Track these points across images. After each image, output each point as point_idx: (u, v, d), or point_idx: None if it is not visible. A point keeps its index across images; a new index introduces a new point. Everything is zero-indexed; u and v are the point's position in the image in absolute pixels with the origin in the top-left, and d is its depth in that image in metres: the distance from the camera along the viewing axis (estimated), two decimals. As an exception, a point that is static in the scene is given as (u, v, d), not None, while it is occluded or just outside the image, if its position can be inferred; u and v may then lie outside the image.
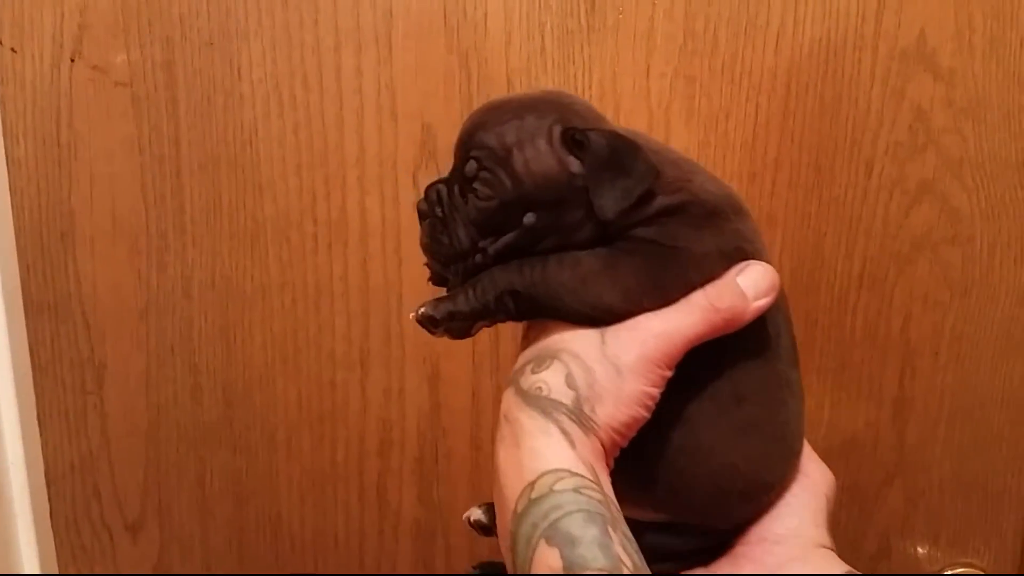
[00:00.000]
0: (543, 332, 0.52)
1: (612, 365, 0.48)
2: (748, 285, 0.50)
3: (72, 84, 0.80)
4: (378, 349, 0.86)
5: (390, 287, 0.85)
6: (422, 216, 0.54)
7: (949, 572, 0.93)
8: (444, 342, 0.56)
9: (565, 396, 0.47)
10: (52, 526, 0.89)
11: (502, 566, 0.49)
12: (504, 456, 0.48)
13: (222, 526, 0.90)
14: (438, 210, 0.53)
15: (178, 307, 0.85)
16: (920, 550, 0.93)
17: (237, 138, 0.81)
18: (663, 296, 0.49)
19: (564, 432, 0.46)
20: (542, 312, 0.51)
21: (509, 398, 0.50)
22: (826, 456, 0.57)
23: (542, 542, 0.43)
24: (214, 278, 0.84)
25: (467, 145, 0.52)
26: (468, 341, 0.59)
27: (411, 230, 0.83)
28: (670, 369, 0.49)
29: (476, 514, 0.60)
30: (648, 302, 0.49)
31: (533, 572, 0.43)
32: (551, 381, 0.48)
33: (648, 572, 0.43)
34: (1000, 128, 0.82)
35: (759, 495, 0.53)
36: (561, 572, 0.42)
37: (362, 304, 0.85)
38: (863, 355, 0.88)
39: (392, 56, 0.80)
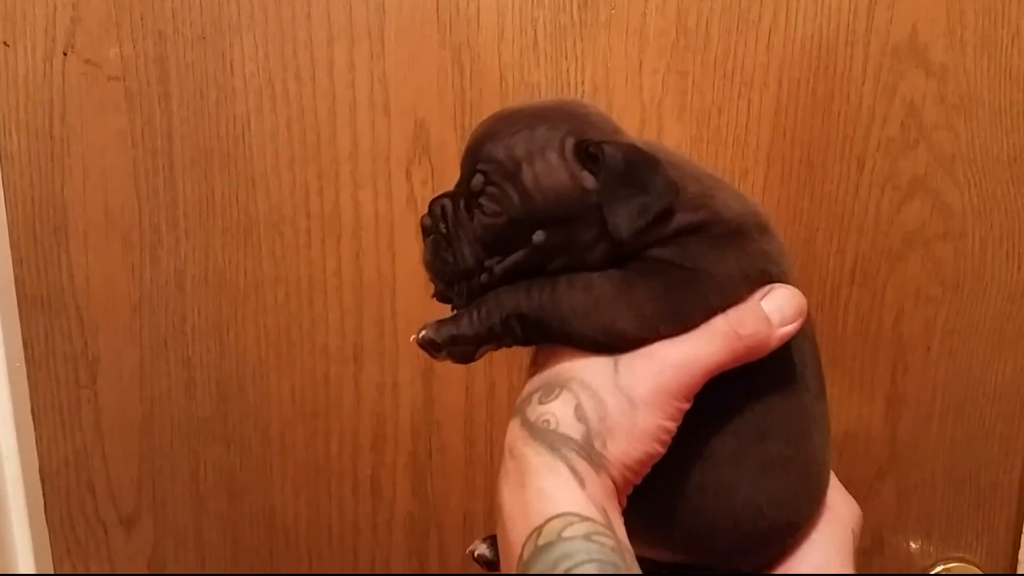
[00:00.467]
0: (552, 358, 0.48)
1: (625, 396, 0.45)
2: (773, 310, 0.47)
3: (65, 78, 0.80)
4: (371, 344, 0.86)
5: (383, 282, 0.85)
6: (425, 232, 0.51)
7: (942, 566, 0.93)
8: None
9: (574, 430, 0.44)
10: (46, 520, 0.89)
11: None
12: (509, 496, 0.45)
13: (216, 520, 0.91)
14: (442, 226, 0.50)
15: (171, 301, 0.85)
16: (913, 545, 0.93)
17: (230, 132, 0.81)
18: (681, 322, 0.46)
19: (573, 470, 0.43)
20: (551, 337, 0.48)
21: (514, 430, 0.46)
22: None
23: None
24: (207, 272, 0.85)
25: (474, 157, 0.49)
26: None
27: (404, 225, 0.84)
28: (688, 401, 0.45)
29: (480, 548, 0.56)
30: (665, 328, 0.46)
31: None
32: (559, 413, 0.45)
33: None
34: (992, 124, 0.82)
35: (783, 536, 0.50)
36: None
37: (355, 299, 0.85)
38: (855, 351, 0.88)
39: (385, 51, 0.80)
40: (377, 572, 0.92)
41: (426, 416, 0.88)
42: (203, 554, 0.91)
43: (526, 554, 0.42)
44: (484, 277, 0.49)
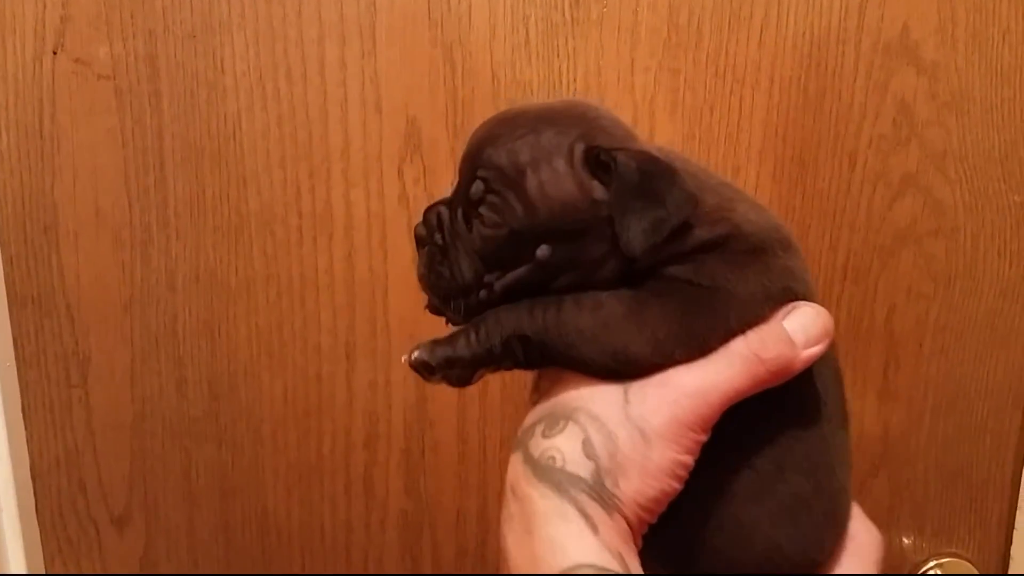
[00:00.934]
0: (556, 385, 0.45)
1: (637, 429, 0.41)
2: (797, 330, 0.43)
3: (55, 77, 0.79)
4: (364, 342, 0.86)
5: (375, 280, 0.85)
6: (419, 243, 0.47)
7: (934, 561, 0.93)
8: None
9: (583, 468, 0.40)
10: (38, 520, 0.89)
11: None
12: (514, 544, 0.41)
13: (208, 519, 0.90)
14: (438, 236, 0.46)
15: (162, 300, 0.85)
16: (905, 540, 0.94)
17: (220, 131, 0.81)
18: (699, 345, 0.43)
19: (584, 514, 0.39)
20: (556, 361, 0.45)
21: (516, 467, 0.43)
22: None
23: None
24: (198, 271, 0.84)
25: (473, 162, 0.45)
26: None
27: (396, 223, 0.83)
28: (705, 433, 0.42)
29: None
30: (681, 353, 0.42)
31: None
32: (566, 449, 0.41)
33: None
34: (983, 121, 0.82)
35: (806, 573, 0.47)
36: None
37: (347, 297, 0.85)
38: (847, 347, 0.88)
39: (376, 49, 0.80)
40: (370, 570, 0.92)
41: (419, 414, 0.88)
42: (195, 553, 0.91)
43: None
44: (483, 294, 0.45)
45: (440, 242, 0.46)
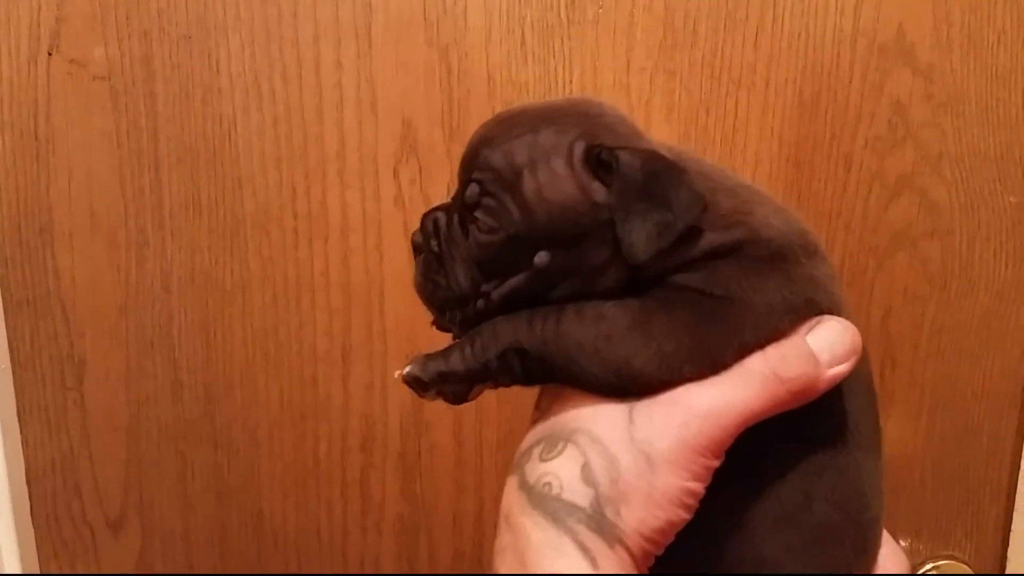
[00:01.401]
0: (556, 403, 0.42)
1: (642, 453, 0.38)
2: (822, 347, 0.40)
3: (50, 78, 0.79)
4: (360, 344, 0.86)
5: (371, 282, 0.85)
6: (416, 250, 0.45)
7: (931, 564, 0.93)
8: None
9: (582, 496, 0.37)
10: (33, 523, 0.89)
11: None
12: None
13: (204, 523, 0.90)
14: (434, 244, 0.44)
15: (158, 302, 0.85)
16: (902, 543, 0.93)
17: (216, 132, 0.81)
18: (711, 361, 0.39)
19: (582, 547, 0.36)
20: (555, 376, 0.42)
21: (511, 493, 0.40)
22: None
23: None
24: (193, 273, 0.84)
25: (470, 165, 0.43)
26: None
27: (392, 225, 0.83)
28: (718, 458, 0.39)
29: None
30: (690, 369, 0.39)
31: None
32: (564, 474, 0.38)
33: None
34: (978, 122, 0.82)
35: None
36: None
37: (343, 299, 0.85)
38: (843, 349, 0.88)
39: (372, 50, 0.80)
40: (367, 573, 0.92)
41: (415, 417, 0.88)
42: (191, 556, 0.91)
43: None
44: (480, 304, 0.43)
45: (436, 249, 0.44)
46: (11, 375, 0.85)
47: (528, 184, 0.41)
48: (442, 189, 0.81)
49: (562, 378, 0.41)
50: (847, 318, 0.42)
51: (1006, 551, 0.92)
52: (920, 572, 0.93)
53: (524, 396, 0.47)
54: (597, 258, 0.41)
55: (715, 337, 0.39)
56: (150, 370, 0.86)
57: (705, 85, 0.81)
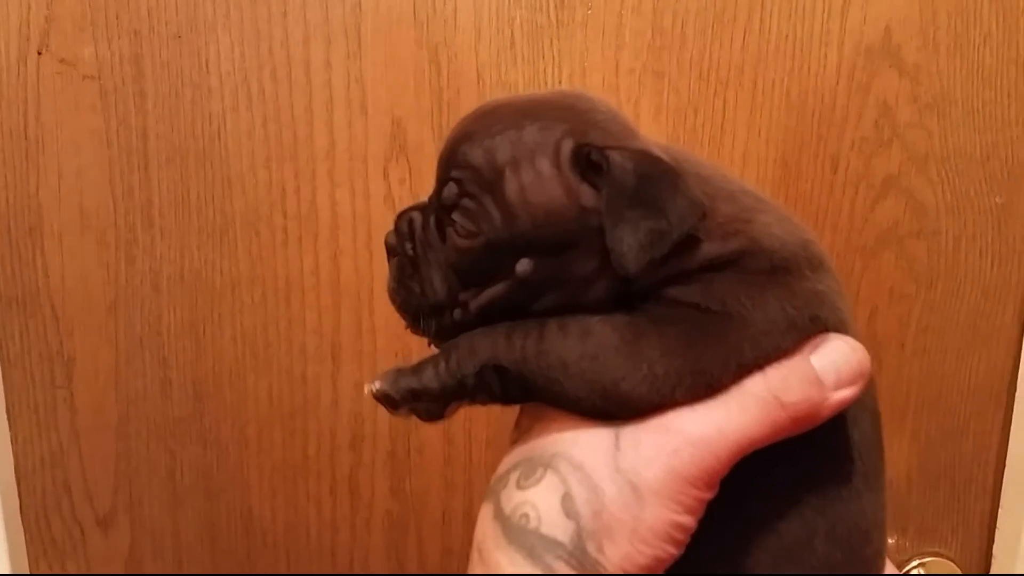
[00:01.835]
0: (537, 424, 0.39)
1: (628, 483, 0.35)
2: (827, 369, 0.36)
3: (39, 77, 0.79)
4: (349, 343, 0.86)
5: (361, 281, 0.85)
6: (390, 252, 0.42)
7: (917, 561, 0.94)
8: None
9: (561, 529, 0.34)
10: (22, 521, 0.88)
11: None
12: None
13: (193, 520, 0.90)
14: (408, 246, 0.40)
15: (147, 301, 0.85)
16: (889, 541, 0.94)
17: (205, 131, 0.81)
18: (706, 383, 0.36)
19: None
20: (536, 395, 0.38)
21: (485, 523, 0.37)
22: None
23: None
24: (183, 272, 0.84)
25: (448, 162, 0.40)
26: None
27: (382, 224, 0.84)
28: (711, 489, 0.35)
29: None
30: (683, 392, 0.36)
31: None
32: (542, 505, 0.35)
33: None
34: (964, 123, 0.83)
35: None
36: None
37: (333, 298, 0.85)
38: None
39: (361, 50, 0.80)
40: (356, 571, 0.92)
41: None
42: (180, 554, 0.91)
43: None
44: (457, 313, 0.39)
45: (411, 253, 0.40)
46: (0, 373, 0.85)
47: (510, 185, 0.37)
48: (431, 188, 0.81)
49: (544, 398, 0.38)
50: (855, 337, 0.38)
51: (992, 548, 0.93)
52: (906, 569, 0.94)
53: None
54: (584, 268, 0.38)
55: (711, 357, 0.36)
56: (139, 368, 0.86)
57: (693, 86, 0.81)
